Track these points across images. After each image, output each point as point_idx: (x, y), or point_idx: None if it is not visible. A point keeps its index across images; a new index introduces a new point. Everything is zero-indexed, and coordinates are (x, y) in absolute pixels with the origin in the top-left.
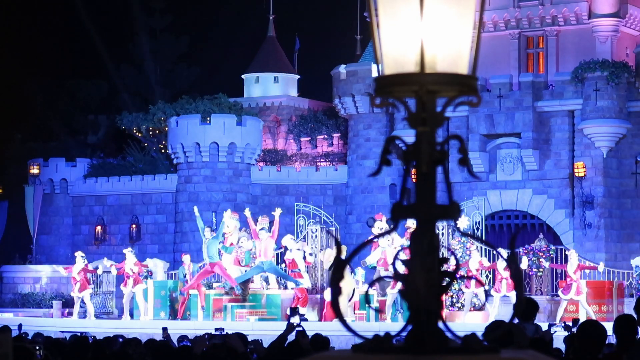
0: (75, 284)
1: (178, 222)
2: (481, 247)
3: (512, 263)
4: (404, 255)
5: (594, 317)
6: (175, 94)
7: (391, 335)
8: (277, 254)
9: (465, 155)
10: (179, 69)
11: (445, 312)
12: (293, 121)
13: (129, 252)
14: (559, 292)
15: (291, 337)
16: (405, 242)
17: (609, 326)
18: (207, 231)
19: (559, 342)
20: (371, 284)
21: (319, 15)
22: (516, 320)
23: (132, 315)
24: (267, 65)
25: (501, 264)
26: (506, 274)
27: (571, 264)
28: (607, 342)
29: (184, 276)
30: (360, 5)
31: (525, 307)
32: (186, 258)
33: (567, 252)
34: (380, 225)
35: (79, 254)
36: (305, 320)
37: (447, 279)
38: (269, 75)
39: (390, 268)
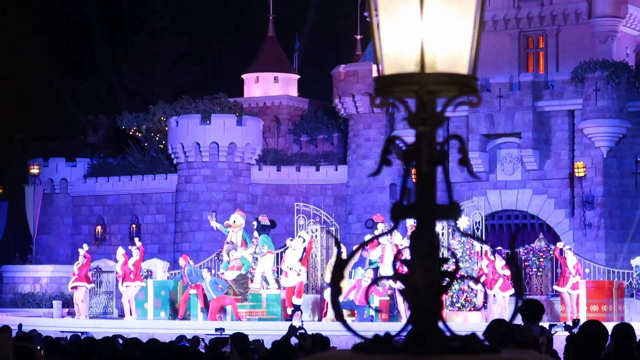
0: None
1: (178, 222)
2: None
3: (512, 263)
4: (405, 254)
5: (584, 318)
6: (175, 94)
7: (391, 335)
8: (278, 253)
9: (465, 155)
10: (179, 69)
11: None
12: (293, 121)
13: (120, 250)
14: (555, 287)
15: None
16: (406, 241)
17: (609, 326)
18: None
19: (558, 342)
20: (371, 284)
21: (319, 15)
22: (517, 321)
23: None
24: (267, 65)
25: (499, 263)
26: (503, 271)
27: (570, 259)
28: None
29: (181, 277)
30: (360, 5)
31: (531, 309)
32: (181, 260)
33: (563, 248)
34: (382, 227)
35: (82, 251)
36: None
37: (447, 279)
38: (269, 75)
39: (389, 266)
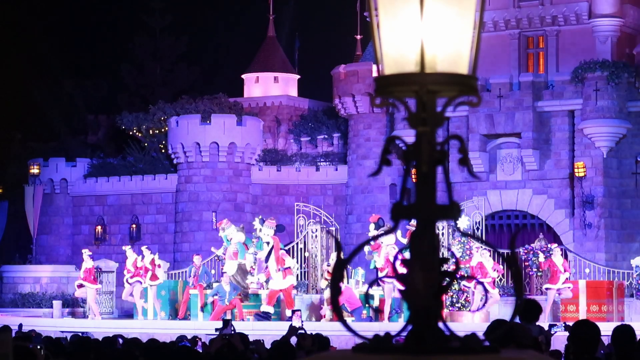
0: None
1: (178, 222)
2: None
3: (512, 263)
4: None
5: (585, 316)
6: (175, 94)
7: (391, 335)
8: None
9: (465, 155)
10: (179, 69)
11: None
12: (293, 121)
13: (129, 250)
14: (546, 286)
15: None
16: (389, 239)
17: (610, 326)
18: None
19: (559, 342)
20: (371, 284)
21: (319, 15)
22: (517, 320)
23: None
24: (267, 65)
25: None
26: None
27: (558, 258)
28: (606, 344)
29: (192, 275)
30: (360, 5)
31: (529, 309)
32: (197, 259)
33: (550, 246)
34: (372, 227)
35: (86, 252)
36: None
37: (447, 279)
38: (269, 75)
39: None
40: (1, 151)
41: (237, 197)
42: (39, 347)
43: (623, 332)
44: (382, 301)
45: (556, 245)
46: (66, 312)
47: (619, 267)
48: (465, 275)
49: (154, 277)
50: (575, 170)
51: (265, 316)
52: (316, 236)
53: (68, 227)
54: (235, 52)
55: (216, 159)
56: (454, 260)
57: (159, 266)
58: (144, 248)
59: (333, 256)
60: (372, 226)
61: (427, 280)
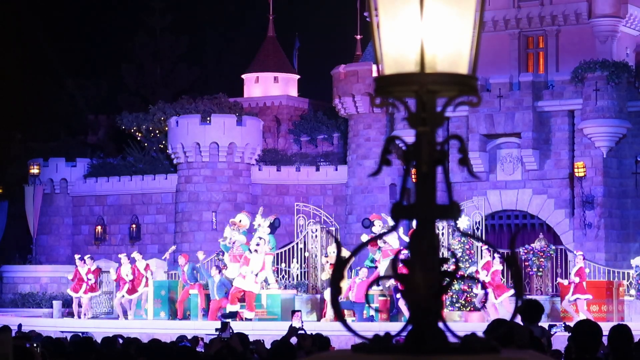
0: (81, 285)
1: (178, 222)
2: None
3: (512, 263)
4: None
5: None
6: (175, 94)
7: (391, 335)
8: (278, 254)
9: (465, 155)
10: (179, 69)
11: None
12: (293, 121)
13: (124, 257)
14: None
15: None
16: (393, 240)
17: (610, 326)
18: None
19: (559, 342)
20: (371, 284)
21: (319, 15)
22: (518, 320)
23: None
24: (267, 65)
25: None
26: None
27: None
28: (606, 344)
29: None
30: (360, 5)
31: (531, 309)
32: (181, 259)
33: (573, 252)
34: (379, 224)
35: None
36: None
37: (447, 279)
38: (269, 75)
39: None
40: (1, 151)
41: (237, 197)
42: (35, 345)
43: (620, 332)
44: (381, 301)
45: (581, 253)
46: (65, 312)
47: (619, 267)
48: (466, 275)
49: (139, 283)
50: (575, 170)
51: (229, 315)
52: (316, 236)
53: (68, 227)
54: (235, 52)
55: (216, 159)
56: (453, 260)
57: (145, 268)
58: (136, 255)
59: (330, 250)
60: (378, 222)
61: (427, 280)
